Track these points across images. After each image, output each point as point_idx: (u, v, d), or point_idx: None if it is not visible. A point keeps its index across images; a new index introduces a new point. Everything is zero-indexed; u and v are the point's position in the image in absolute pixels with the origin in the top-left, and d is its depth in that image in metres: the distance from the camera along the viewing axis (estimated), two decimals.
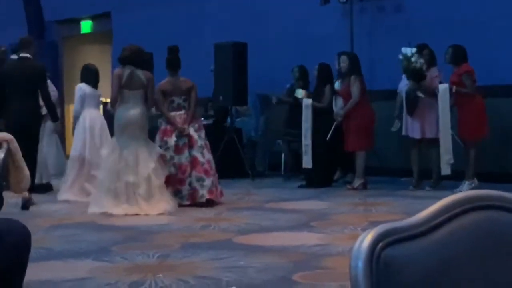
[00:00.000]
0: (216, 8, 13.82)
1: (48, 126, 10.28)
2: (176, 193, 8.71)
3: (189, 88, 9.03)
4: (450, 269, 1.05)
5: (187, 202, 8.70)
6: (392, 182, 10.72)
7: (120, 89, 8.53)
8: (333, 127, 10.34)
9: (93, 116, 10.01)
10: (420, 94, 9.66)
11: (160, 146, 8.77)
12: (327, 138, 10.33)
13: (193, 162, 8.81)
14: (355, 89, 10.16)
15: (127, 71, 8.57)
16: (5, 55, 10.05)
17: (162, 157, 8.64)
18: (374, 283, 1.00)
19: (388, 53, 10.61)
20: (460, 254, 1.06)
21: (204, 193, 8.76)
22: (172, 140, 8.80)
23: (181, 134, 8.83)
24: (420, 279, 1.03)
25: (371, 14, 12.00)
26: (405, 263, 1.02)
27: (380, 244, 1.02)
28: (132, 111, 8.53)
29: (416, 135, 9.86)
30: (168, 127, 8.88)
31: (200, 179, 8.78)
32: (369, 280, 1.00)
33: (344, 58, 10.47)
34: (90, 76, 10.24)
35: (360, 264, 1.00)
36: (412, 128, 9.89)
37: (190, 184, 8.75)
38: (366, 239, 1.02)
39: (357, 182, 10.21)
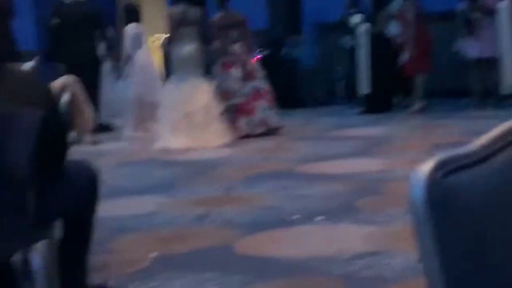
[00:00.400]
0: None
1: (106, 67, 10.40)
2: (248, 123, 8.83)
3: (242, 21, 9.08)
4: (509, 194, 1.06)
5: (260, 130, 8.86)
6: (453, 104, 10.58)
7: (175, 26, 8.63)
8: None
9: (144, 55, 10.12)
10: (476, 15, 9.46)
11: (222, 80, 8.85)
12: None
13: (256, 92, 8.91)
14: (409, 15, 9.98)
15: (180, 8, 8.62)
16: None
17: (224, 92, 8.75)
18: (434, 211, 1.02)
19: None
20: None
21: (271, 122, 8.93)
22: (234, 72, 8.89)
23: (242, 65, 8.91)
24: (480, 206, 1.05)
25: None
26: (466, 190, 1.04)
27: (439, 173, 1.04)
28: (188, 47, 8.62)
29: (475, 54, 9.69)
30: (228, 60, 8.95)
31: (266, 108, 8.94)
32: (429, 209, 1.02)
33: None
34: (135, 15, 10.27)
35: (420, 193, 1.02)
36: (471, 48, 9.72)
37: (258, 113, 8.91)
38: (425, 168, 1.04)
39: (417, 105, 10.13)
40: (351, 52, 11.34)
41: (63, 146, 2.85)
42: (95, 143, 8.66)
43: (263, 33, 12.82)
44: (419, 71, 10.11)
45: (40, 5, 12.73)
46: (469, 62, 9.85)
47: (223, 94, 8.79)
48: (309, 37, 12.71)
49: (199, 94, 8.59)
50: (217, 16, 9.06)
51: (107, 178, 6.22)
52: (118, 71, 10.31)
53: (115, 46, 10.07)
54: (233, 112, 8.84)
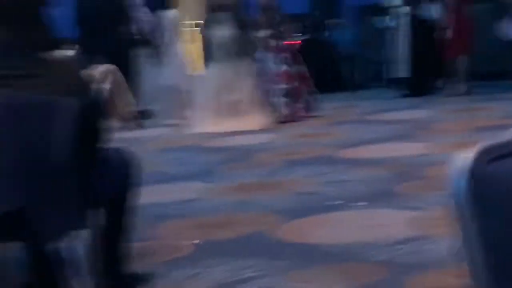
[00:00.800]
0: None
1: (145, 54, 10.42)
2: (292, 107, 8.93)
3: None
4: None
5: (302, 114, 8.99)
6: (496, 86, 10.43)
7: (213, 11, 8.67)
8: None
9: (180, 43, 10.12)
10: None
11: (264, 62, 8.88)
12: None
13: (301, 77, 9.02)
14: None
15: None
16: None
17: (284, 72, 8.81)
18: (476, 199, 1.00)
19: None
20: None
21: (312, 107, 9.16)
22: (282, 54, 8.95)
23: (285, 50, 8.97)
24: None
25: None
26: (507, 178, 1.02)
27: (483, 160, 1.02)
28: (225, 32, 8.65)
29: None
30: (279, 43, 8.95)
31: (311, 93, 9.15)
32: (471, 197, 1.00)
33: None
34: (172, 1, 10.23)
35: (462, 182, 1.01)
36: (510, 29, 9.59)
37: (302, 98, 9.09)
38: (467, 157, 1.02)
39: (460, 88, 10.00)
40: (392, 35, 11.24)
41: (101, 133, 2.87)
42: (139, 126, 8.69)
43: (304, 17, 12.77)
44: (460, 53, 9.97)
45: None
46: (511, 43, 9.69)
47: (267, 76, 8.82)
48: (349, 20, 12.62)
49: (242, 82, 8.60)
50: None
51: (148, 165, 6.27)
52: (157, 58, 10.31)
53: (149, 33, 10.06)
54: (279, 95, 8.86)
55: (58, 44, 2.91)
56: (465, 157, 1.01)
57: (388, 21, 11.18)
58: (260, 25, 8.97)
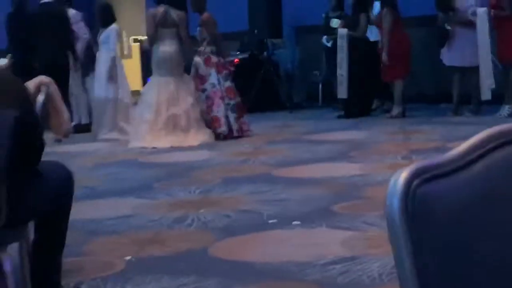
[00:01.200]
0: None
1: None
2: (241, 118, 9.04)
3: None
4: (486, 204, 1.05)
5: (235, 133, 8.96)
6: (431, 109, 10.63)
7: (155, 28, 8.68)
8: None
9: (117, 56, 10.08)
10: (448, 27, 9.57)
11: (218, 79, 8.86)
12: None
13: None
14: (386, 20, 10.01)
15: (161, 9, 8.68)
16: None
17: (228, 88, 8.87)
18: (409, 220, 1.00)
19: None
20: (495, 190, 1.06)
21: (245, 126, 9.14)
22: (224, 70, 9.06)
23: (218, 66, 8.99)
24: (455, 216, 1.04)
25: None
26: (441, 199, 1.03)
27: (416, 181, 1.02)
28: (168, 48, 8.70)
29: (456, 63, 9.75)
30: (221, 60, 8.97)
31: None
32: (405, 218, 1.00)
33: None
34: (113, 15, 10.17)
35: (396, 202, 1.01)
36: (451, 57, 9.78)
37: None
38: (401, 176, 1.02)
39: (396, 110, 10.15)
40: (331, 55, 11.37)
41: (38, 146, 2.81)
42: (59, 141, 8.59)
43: (243, 35, 12.82)
44: (396, 77, 10.13)
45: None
46: (451, 68, 9.88)
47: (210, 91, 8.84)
48: (288, 40, 12.72)
49: (181, 98, 8.63)
50: (207, 15, 8.99)
51: (83, 180, 6.19)
52: (90, 71, 10.30)
53: (90, 47, 10.21)
54: (227, 111, 8.87)
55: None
56: (399, 178, 1.01)
57: (326, 41, 11.32)
58: (201, 41, 8.98)
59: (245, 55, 12.33)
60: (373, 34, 10.56)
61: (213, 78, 8.90)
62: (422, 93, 11.13)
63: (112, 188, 6.29)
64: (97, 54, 10.04)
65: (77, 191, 3.22)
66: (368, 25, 10.58)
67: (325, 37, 11.28)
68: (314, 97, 12.34)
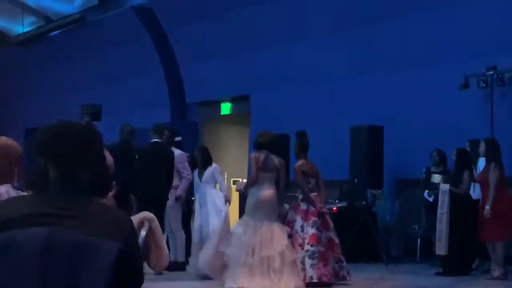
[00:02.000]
0: (354, 90, 13.90)
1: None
2: (321, 271, 8.91)
3: (317, 170, 9.37)
4: None
5: (332, 280, 8.98)
6: None
7: (257, 171, 8.87)
8: None
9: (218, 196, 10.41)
10: None
11: (302, 227, 8.93)
12: None
13: (330, 243, 8.93)
14: (493, 177, 9.86)
15: (263, 155, 8.93)
16: (130, 134, 10.70)
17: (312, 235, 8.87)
18: None
19: None
20: None
21: (344, 274, 9.07)
22: (312, 220, 9.04)
23: (321, 213, 9.05)
24: None
25: None
26: None
27: None
28: (268, 192, 8.87)
29: None
30: (310, 208, 9.03)
31: (338, 261, 9.07)
32: None
33: (482, 143, 10.25)
34: (210, 157, 10.67)
35: None
36: None
37: (330, 263, 9.02)
38: None
39: (497, 272, 9.81)
40: (431, 210, 11.24)
41: (138, 280, 2.85)
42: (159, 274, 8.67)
43: (343, 184, 12.88)
44: (498, 237, 9.85)
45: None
46: None
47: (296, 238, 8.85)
48: (389, 191, 12.69)
49: (276, 240, 8.64)
50: (300, 163, 9.23)
51: None
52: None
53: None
54: (305, 257, 8.83)
55: (109, 188, 2.96)
56: None
57: (428, 196, 11.21)
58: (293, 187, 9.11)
59: (344, 204, 12.35)
60: (476, 192, 10.39)
61: (297, 225, 8.94)
62: None
63: None
64: (197, 196, 10.34)
65: None
66: (471, 182, 10.44)
67: (427, 191, 11.19)
68: (412, 252, 12.12)
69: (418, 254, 12.03)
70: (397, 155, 12.20)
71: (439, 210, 10.41)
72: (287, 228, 8.99)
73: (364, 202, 12.21)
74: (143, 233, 3.57)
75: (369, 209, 12.11)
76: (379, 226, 12.41)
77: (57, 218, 2.67)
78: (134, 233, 2.98)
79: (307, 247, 8.89)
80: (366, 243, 11.67)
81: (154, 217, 3.72)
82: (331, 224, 9.28)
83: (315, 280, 8.84)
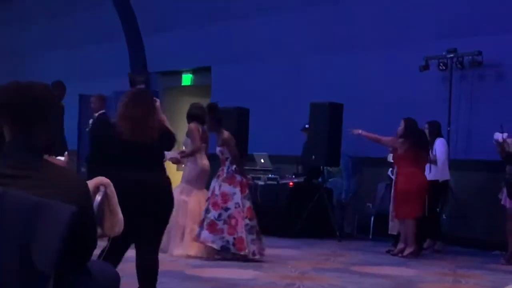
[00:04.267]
0: (314, 67, 13.94)
1: None
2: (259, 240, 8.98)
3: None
4: None
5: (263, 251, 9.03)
6: (483, 255, 10.44)
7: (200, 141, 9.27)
8: None
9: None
10: None
11: (241, 199, 8.87)
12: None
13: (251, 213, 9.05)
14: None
15: (201, 126, 9.24)
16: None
17: (249, 209, 8.94)
18: None
19: (487, 123, 10.46)
20: None
21: (260, 246, 9.04)
22: (248, 191, 9.12)
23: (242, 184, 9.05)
24: None
25: (471, 82, 11.87)
26: None
27: None
28: (207, 162, 9.36)
29: None
30: (243, 179, 9.00)
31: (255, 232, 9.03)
32: None
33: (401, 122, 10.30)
34: None
35: None
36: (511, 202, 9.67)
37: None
38: None
39: (408, 249, 9.96)
40: (385, 189, 11.37)
41: (90, 244, 2.85)
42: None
43: (299, 159, 12.95)
44: (407, 215, 9.98)
45: (84, 108, 13.18)
46: (508, 213, 9.74)
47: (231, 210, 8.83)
48: (346, 169, 12.78)
49: (196, 208, 9.12)
50: (226, 134, 8.95)
51: (128, 285, 6.17)
52: None
53: None
54: (249, 234, 8.78)
55: (64, 150, 2.94)
56: None
57: (390, 173, 11.28)
58: (223, 160, 8.98)
59: (300, 180, 12.43)
60: (431, 173, 10.47)
61: (237, 197, 8.87)
62: (476, 237, 10.97)
63: None
64: None
65: None
66: (427, 163, 10.54)
67: (390, 169, 11.21)
68: (366, 229, 12.26)
69: (371, 232, 12.17)
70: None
71: (393, 188, 10.51)
72: (222, 201, 8.80)
73: (320, 179, 12.29)
74: (98, 198, 3.56)
75: (325, 186, 12.19)
76: (334, 203, 12.52)
77: (12, 179, 2.65)
78: (89, 197, 2.97)
79: (245, 221, 8.80)
80: (320, 219, 11.77)
81: (110, 182, 3.71)
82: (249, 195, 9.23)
83: (257, 256, 8.81)
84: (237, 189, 8.83)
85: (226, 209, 8.77)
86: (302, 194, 12.05)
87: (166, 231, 8.97)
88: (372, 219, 12.15)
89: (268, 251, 9.19)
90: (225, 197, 8.81)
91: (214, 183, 8.91)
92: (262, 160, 12.88)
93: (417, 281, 7.98)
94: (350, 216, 12.76)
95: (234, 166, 8.88)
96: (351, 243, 11.46)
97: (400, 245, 10.08)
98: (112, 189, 3.74)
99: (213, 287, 6.91)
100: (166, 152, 10.06)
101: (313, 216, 11.65)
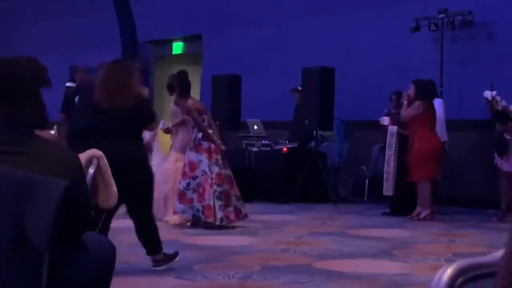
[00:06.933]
0: (305, 31, 13.89)
1: None
2: (227, 207, 8.85)
3: (205, 108, 9.21)
4: None
5: (234, 218, 8.97)
6: (478, 213, 10.51)
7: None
8: None
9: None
10: (507, 136, 9.52)
11: (209, 166, 8.79)
12: None
13: (230, 180, 8.98)
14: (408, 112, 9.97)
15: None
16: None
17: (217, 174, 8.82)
18: None
19: (478, 82, 10.45)
20: None
21: (246, 212, 9.02)
22: (218, 157, 8.89)
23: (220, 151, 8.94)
24: None
25: (462, 42, 11.84)
26: None
27: (460, 279, 1.02)
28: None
29: (507, 168, 9.66)
30: (211, 145, 8.83)
31: (239, 198, 8.98)
32: None
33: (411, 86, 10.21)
34: None
35: None
36: (504, 161, 9.69)
37: (232, 201, 8.92)
38: (446, 273, 1.02)
39: (424, 212, 9.98)
40: (379, 152, 11.38)
41: (84, 218, 2.85)
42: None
43: (292, 125, 12.94)
44: (422, 177, 9.95)
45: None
46: (501, 173, 9.78)
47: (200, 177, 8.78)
48: (338, 133, 12.79)
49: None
50: (192, 102, 8.83)
51: (125, 255, 6.21)
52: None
53: None
54: (217, 199, 8.73)
55: (47, 123, 2.93)
56: (443, 274, 1.01)
57: (376, 138, 11.30)
58: (192, 127, 8.93)
59: (294, 145, 12.43)
60: None
61: (204, 165, 8.81)
62: (470, 197, 11.02)
63: (151, 266, 6.27)
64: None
65: (117, 266, 3.23)
66: None
67: (375, 133, 11.21)
68: (360, 193, 12.31)
69: (366, 195, 12.22)
70: (347, 97, 12.26)
71: (387, 152, 10.52)
72: (189, 170, 8.74)
73: (313, 144, 12.30)
74: (91, 171, 3.55)
75: (318, 151, 12.20)
76: (328, 167, 12.53)
77: (3, 155, 2.64)
78: (82, 171, 2.97)
79: (214, 187, 8.71)
80: (315, 184, 11.79)
81: (103, 154, 3.70)
82: (227, 162, 9.06)
83: (224, 223, 8.72)
84: (203, 156, 8.72)
85: (194, 177, 8.72)
86: (296, 159, 12.06)
87: (162, 198, 9.08)
88: (367, 182, 12.19)
89: (263, 217, 9.22)
90: (192, 165, 8.76)
91: (187, 153, 8.91)
92: (255, 127, 12.87)
93: (412, 242, 8.04)
94: (345, 180, 12.79)
95: (201, 134, 8.81)
96: (346, 207, 11.50)
97: (418, 209, 10.05)
98: (105, 162, 3.72)
99: (210, 255, 6.94)
100: (161, 121, 10.06)
101: (307, 181, 11.68)
